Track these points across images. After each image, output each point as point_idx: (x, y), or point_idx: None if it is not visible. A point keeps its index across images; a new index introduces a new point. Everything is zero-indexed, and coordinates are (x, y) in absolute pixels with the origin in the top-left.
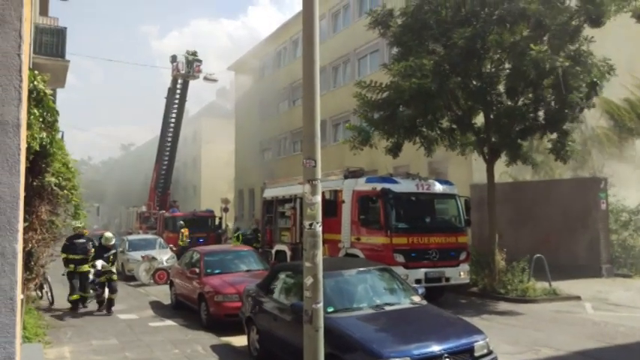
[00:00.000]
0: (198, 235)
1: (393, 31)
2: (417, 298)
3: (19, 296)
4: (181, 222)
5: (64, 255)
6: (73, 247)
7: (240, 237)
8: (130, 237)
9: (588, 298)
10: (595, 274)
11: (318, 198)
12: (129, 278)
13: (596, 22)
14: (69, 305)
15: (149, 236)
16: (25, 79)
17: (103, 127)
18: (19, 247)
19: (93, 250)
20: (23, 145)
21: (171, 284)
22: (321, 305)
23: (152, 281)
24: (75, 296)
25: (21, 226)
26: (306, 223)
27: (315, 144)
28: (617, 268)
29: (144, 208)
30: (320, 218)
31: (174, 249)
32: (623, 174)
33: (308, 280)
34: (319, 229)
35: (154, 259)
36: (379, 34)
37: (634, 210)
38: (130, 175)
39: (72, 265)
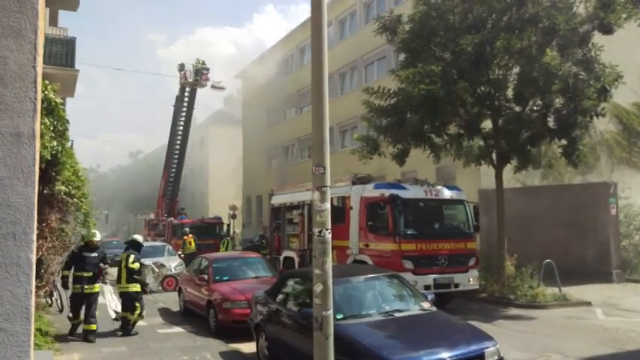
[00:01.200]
0: (207, 242)
1: (400, 37)
2: (426, 305)
3: (33, 305)
4: (186, 229)
5: (66, 272)
6: (82, 263)
7: (227, 243)
8: None
9: (599, 304)
10: (606, 279)
11: (328, 205)
12: None
13: (607, 28)
14: None
15: (157, 243)
16: (39, 90)
17: (111, 134)
18: (34, 257)
19: (107, 267)
20: (37, 156)
21: (180, 291)
22: (331, 312)
23: (160, 288)
24: (92, 326)
25: (35, 236)
26: (316, 230)
27: (324, 151)
28: (629, 273)
29: (152, 216)
30: (329, 225)
31: (182, 256)
32: (633, 178)
33: (318, 287)
34: (329, 236)
35: (162, 266)
36: (387, 40)
37: None
38: (139, 182)
39: (78, 286)
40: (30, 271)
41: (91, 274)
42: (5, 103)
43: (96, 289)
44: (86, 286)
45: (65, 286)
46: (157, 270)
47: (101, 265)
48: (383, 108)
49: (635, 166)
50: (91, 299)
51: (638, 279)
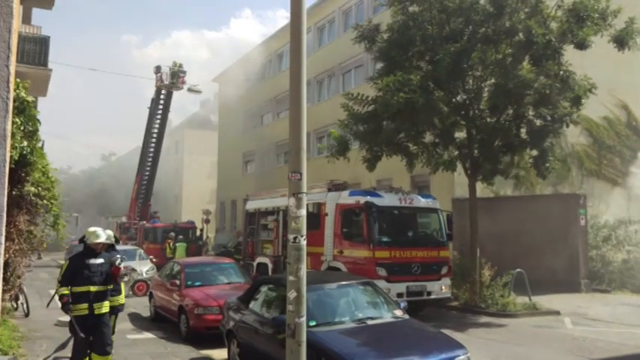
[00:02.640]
0: None
1: (379, 46)
2: (399, 312)
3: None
4: (172, 233)
5: (65, 290)
6: (85, 274)
7: (173, 249)
8: None
9: (567, 313)
10: (574, 289)
11: (304, 211)
12: None
13: (582, 44)
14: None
15: (129, 247)
16: (12, 90)
17: (84, 136)
18: (2, 260)
19: (127, 278)
20: (8, 157)
21: (151, 296)
22: (304, 319)
23: (131, 293)
24: (109, 357)
25: (3, 239)
26: (291, 237)
27: (301, 157)
28: (597, 283)
29: (124, 219)
30: (305, 232)
31: (154, 260)
32: (602, 190)
33: (292, 294)
34: (304, 242)
35: (133, 270)
36: (365, 49)
37: (614, 225)
38: (111, 185)
39: (83, 306)
40: None
41: (99, 287)
42: None
43: (105, 309)
44: (95, 305)
45: (66, 309)
46: (127, 274)
47: (123, 270)
48: (360, 115)
49: (604, 179)
50: (103, 321)
51: (604, 289)
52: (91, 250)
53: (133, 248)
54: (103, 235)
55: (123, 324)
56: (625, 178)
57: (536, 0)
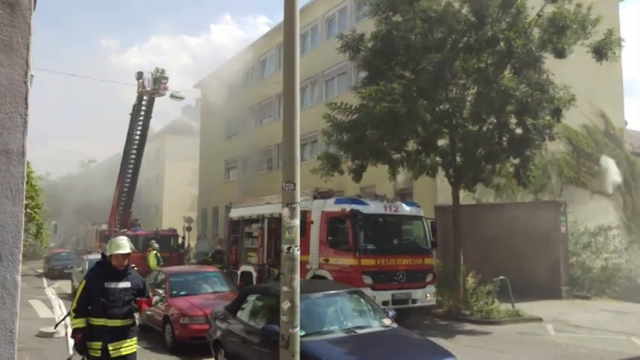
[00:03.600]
0: (162, 255)
1: (363, 55)
2: (387, 321)
3: (17, 328)
4: (153, 241)
5: (78, 322)
6: (103, 301)
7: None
8: (91, 256)
9: (550, 320)
10: (555, 295)
11: (297, 221)
12: None
13: (560, 52)
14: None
15: None
16: (29, 106)
17: (64, 142)
18: (19, 277)
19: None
20: (25, 173)
21: None
22: (297, 330)
23: None
24: None
25: (21, 256)
26: (285, 247)
27: (294, 167)
28: (577, 289)
29: (104, 227)
30: (298, 242)
31: (136, 268)
32: (581, 197)
33: (285, 305)
34: (297, 252)
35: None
36: (349, 58)
37: (593, 232)
38: (90, 192)
39: (97, 345)
40: (15, 292)
41: (117, 322)
42: None
43: (131, 349)
44: (111, 347)
45: (81, 349)
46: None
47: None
48: (343, 124)
49: (582, 186)
50: None
51: (585, 295)
52: (112, 268)
53: None
54: (127, 245)
55: None
56: (602, 185)
57: (517, 10)
